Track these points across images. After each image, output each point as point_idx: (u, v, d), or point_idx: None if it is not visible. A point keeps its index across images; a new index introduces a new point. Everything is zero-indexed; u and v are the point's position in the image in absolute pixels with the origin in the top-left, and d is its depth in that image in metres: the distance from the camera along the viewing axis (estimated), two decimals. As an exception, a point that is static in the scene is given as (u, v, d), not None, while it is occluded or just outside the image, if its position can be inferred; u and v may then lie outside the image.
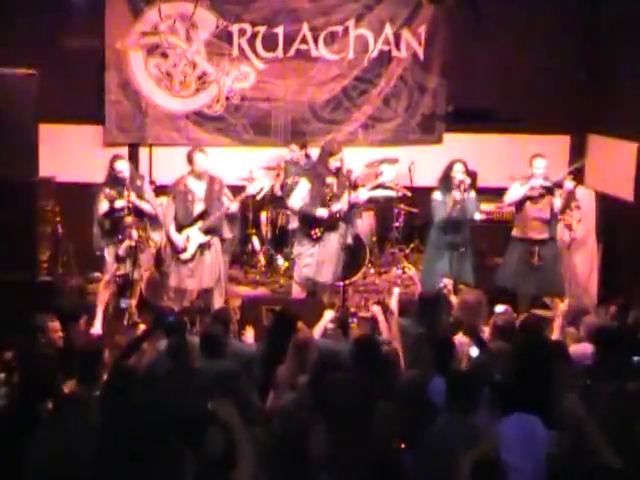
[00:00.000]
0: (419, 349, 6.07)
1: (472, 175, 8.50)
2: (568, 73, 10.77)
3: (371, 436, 4.43)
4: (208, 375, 5.30)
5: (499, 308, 6.95)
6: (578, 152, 10.81)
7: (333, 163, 8.37)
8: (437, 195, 8.49)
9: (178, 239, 8.32)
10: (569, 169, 8.79)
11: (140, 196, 8.50)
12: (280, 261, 10.16)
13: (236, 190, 9.00)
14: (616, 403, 4.91)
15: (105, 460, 3.91)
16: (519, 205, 8.51)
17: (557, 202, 8.36)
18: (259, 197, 10.03)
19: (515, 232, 8.59)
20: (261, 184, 9.50)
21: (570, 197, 8.41)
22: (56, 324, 6.47)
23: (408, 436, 4.74)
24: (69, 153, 10.20)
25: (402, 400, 5.00)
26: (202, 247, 8.35)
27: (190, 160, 8.33)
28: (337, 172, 8.45)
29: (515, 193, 8.45)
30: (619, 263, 9.40)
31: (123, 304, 6.26)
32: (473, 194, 8.46)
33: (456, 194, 8.27)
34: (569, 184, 8.31)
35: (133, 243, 8.40)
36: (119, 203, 8.36)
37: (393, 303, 7.09)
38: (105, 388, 4.99)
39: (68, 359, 5.77)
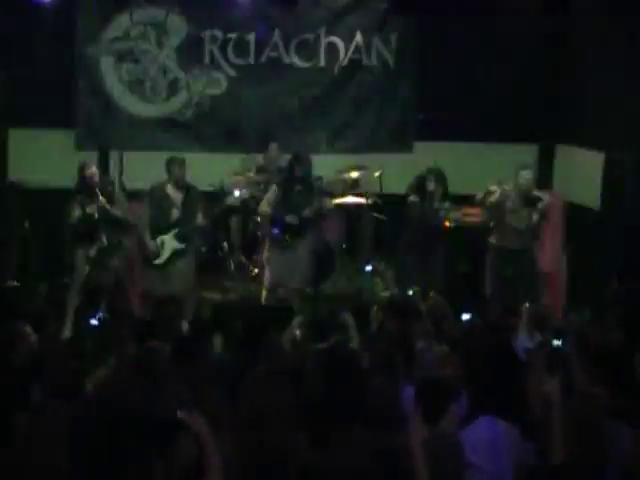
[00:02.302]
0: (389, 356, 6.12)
1: (445, 184, 8.55)
2: (536, 83, 10.89)
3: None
4: (178, 382, 5.30)
5: (465, 316, 7.01)
6: (546, 161, 10.95)
7: (301, 172, 8.45)
8: (413, 198, 8.52)
9: (151, 244, 8.37)
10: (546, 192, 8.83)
11: (111, 201, 8.51)
12: (250, 267, 10.17)
13: (207, 196, 9.05)
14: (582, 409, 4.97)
15: (75, 469, 3.90)
16: (497, 213, 8.57)
17: (535, 216, 8.43)
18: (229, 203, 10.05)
19: (492, 239, 8.66)
20: (240, 195, 9.51)
21: (546, 211, 8.49)
22: (29, 330, 6.39)
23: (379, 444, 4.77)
24: (39, 158, 10.14)
25: (373, 409, 5.02)
26: (175, 254, 8.40)
27: (168, 170, 8.39)
28: (306, 179, 8.52)
29: (488, 192, 8.52)
30: (585, 270, 9.51)
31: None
32: (447, 203, 8.50)
33: (429, 202, 8.33)
34: (546, 199, 8.38)
35: (103, 245, 8.40)
36: (90, 209, 8.36)
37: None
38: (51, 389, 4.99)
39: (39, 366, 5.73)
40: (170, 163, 8.44)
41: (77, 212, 8.39)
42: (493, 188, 8.45)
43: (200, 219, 8.47)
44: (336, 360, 5.26)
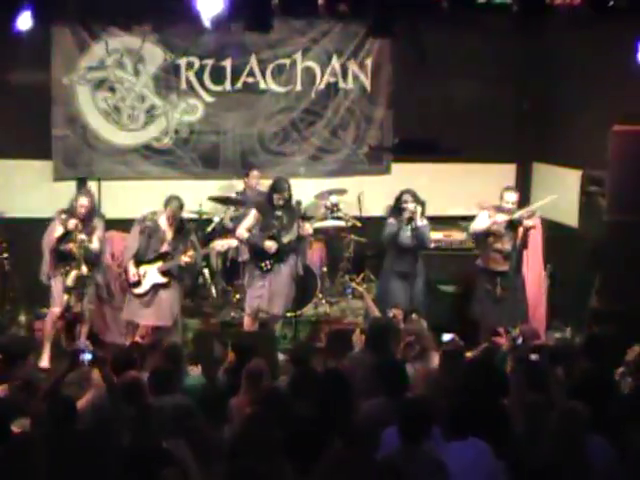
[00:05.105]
0: (372, 379, 6.11)
1: (422, 204, 8.57)
2: (513, 103, 10.99)
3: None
4: (160, 412, 5.26)
5: (446, 337, 7.02)
6: (523, 180, 11.01)
7: (277, 200, 8.47)
8: (391, 220, 8.53)
9: (133, 272, 8.34)
10: (531, 208, 8.80)
11: (90, 233, 8.40)
12: (231, 293, 10.15)
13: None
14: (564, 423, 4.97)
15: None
16: (482, 237, 8.60)
17: (518, 240, 8.45)
18: (209, 229, 10.05)
19: (479, 262, 8.68)
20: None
21: (528, 233, 8.53)
22: None
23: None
24: (17, 188, 10.08)
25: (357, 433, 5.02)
26: (157, 286, 8.37)
27: (166, 206, 8.42)
28: (286, 204, 8.54)
29: (480, 224, 8.53)
30: (565, 288, 9.54)
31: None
32: (425, 222, 8.49)
33: (408, 223, 8.32)
34: (529, 222, 8.41)
35: (82, 274, 8.33)
36: (70, 233, 8.26)
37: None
38: (47, 422, 4.94)
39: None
40: (170, 200, 8.44)
41: (58, 230, 8.31)
42: (484, 217, 8.48)
43: (188, 257, 8.40)
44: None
